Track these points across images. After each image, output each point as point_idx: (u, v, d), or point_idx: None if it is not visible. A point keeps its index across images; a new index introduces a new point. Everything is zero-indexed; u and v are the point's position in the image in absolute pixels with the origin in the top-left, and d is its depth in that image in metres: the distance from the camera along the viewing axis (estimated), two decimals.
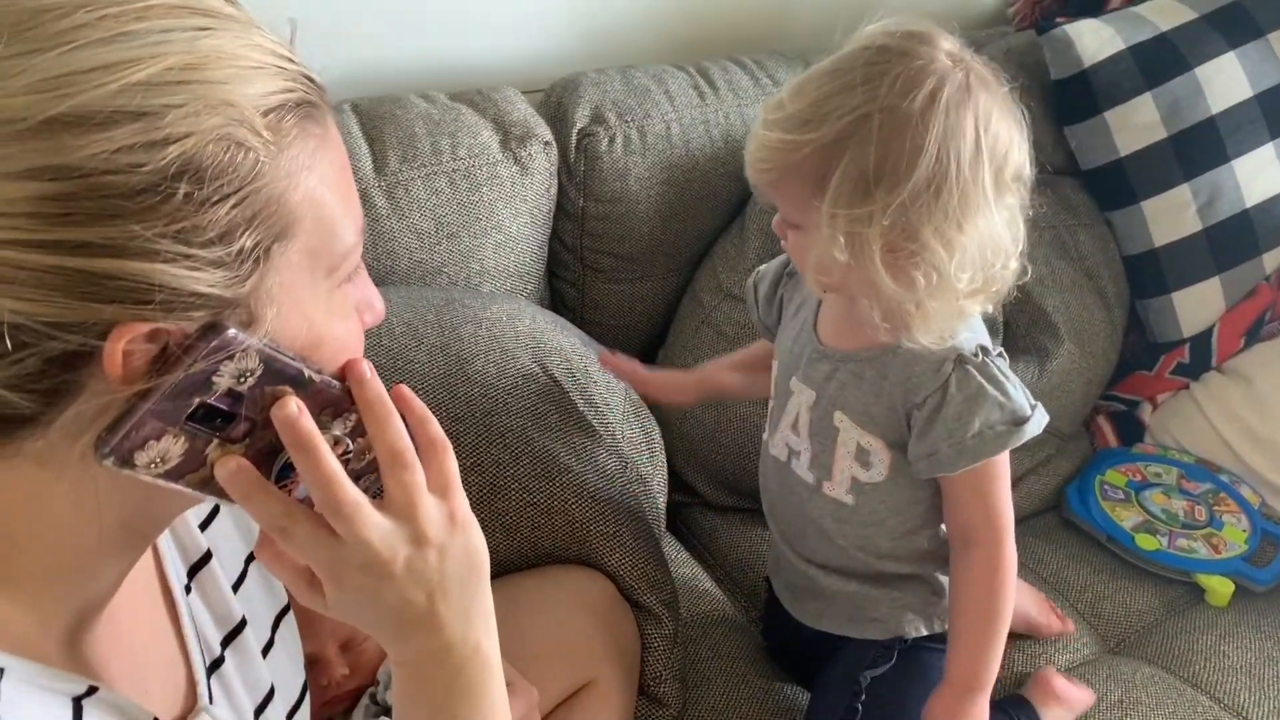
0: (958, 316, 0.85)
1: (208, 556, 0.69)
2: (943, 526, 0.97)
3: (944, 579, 0.99)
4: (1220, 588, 1.28)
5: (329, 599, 0.55)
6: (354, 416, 0.55)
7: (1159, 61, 1.51)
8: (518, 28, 1.50)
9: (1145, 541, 1.33)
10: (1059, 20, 1.56)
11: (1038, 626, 1.19)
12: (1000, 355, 0.90)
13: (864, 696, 1.00)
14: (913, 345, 0.85)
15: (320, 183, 0.50)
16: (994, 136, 0.80)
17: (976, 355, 0.87)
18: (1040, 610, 1.20)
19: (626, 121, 1.39)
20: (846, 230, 0.79)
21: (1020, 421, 0.86)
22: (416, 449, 0.55)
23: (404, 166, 1.26)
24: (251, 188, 0.47)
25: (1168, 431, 1.51)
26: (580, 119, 1.38)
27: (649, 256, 1.46)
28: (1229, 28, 1.52)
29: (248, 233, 0.47)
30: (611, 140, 1.39)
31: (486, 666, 0.59)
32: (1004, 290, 0.86)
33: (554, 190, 1.38)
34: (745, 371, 1.16)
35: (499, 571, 1.05)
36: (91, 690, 0.53)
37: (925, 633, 1.01)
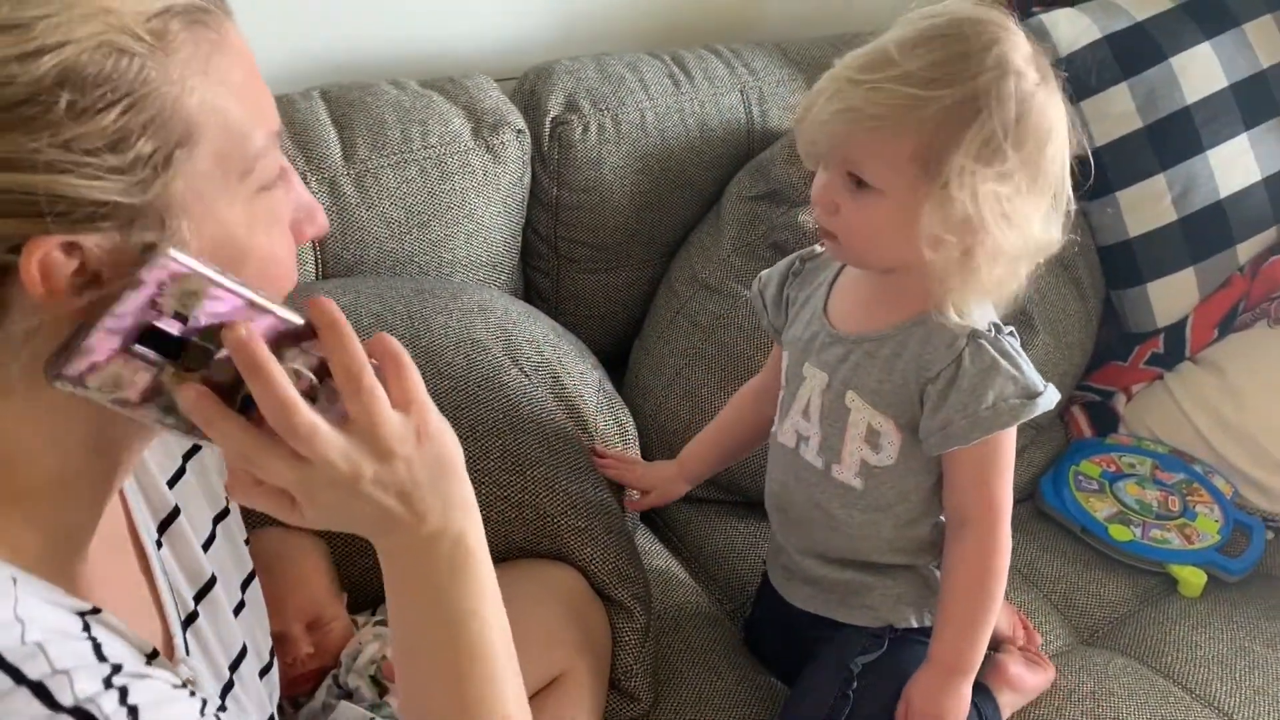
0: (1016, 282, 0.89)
1: (176, 512, 0.69)
2: (942, 517, 0.98)
3: (939, 573, 0.99)
4: (1193, 578, 1.28)
5: (306, 514, 0.56)
6: (314, 346, 0.55)
7: (1135, 51, 1.50)
8: (491, 14, 1.48)
9: (1119, 532, 1.33)
10: (1035, 9, 1.55)
11: (1004, 639, 1.19)
12: (1011, 334, 0.91)
13: (855, 684, 1.00)
14: (943, 318, 0.87)
15: (219, 86, 0.50)
16: (1070, 117, 0.86)
17: (990, 331, 0.89)
18: (1009, 623, 1.19)
19: (601, 110, 1.38)
20: (973, 186, 0.80)
21: (1033, 395, 0.88)
22: (381, 369, 0.56)
23: (373, 154, 1.24)
24: (140, 93, 0.47)
25: (1142, 422, 1.51)
26: (554, 107, 1.37)
27: (624, 246, 1.45)
28: (1204, 17, 1.52)
29: (143, 139, 0.47)
30: (585, 128, 1.37)
31: (470, 553, 0.62)
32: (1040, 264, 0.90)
33: (527, 179, 1.36)
34: (731, 432, 1.18)
35: None
36: (95, 610, 0.54)
37: (915, 624, 1.01)
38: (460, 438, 1.04)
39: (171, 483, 0.70)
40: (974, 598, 0.93)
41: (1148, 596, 1.30)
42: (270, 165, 0.54)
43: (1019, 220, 0.83)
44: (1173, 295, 1.54)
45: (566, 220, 1.41)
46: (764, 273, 1.08)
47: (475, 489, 1.03)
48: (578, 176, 1.38)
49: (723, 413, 1.19)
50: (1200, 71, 1.51)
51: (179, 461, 0.72)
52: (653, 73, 1.44)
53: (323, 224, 0.59)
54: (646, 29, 1.59)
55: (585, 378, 1.21)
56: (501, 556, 1.05)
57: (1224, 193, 1.53)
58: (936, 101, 0.80)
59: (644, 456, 1.29)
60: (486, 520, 1.04)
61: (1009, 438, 0.91)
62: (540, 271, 1.45)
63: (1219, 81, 1.51)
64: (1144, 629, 1.24)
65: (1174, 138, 1.49)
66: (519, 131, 1.33)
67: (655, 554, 1.26)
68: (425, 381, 1.05)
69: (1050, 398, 0.89)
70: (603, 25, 1.56)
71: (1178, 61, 1.50)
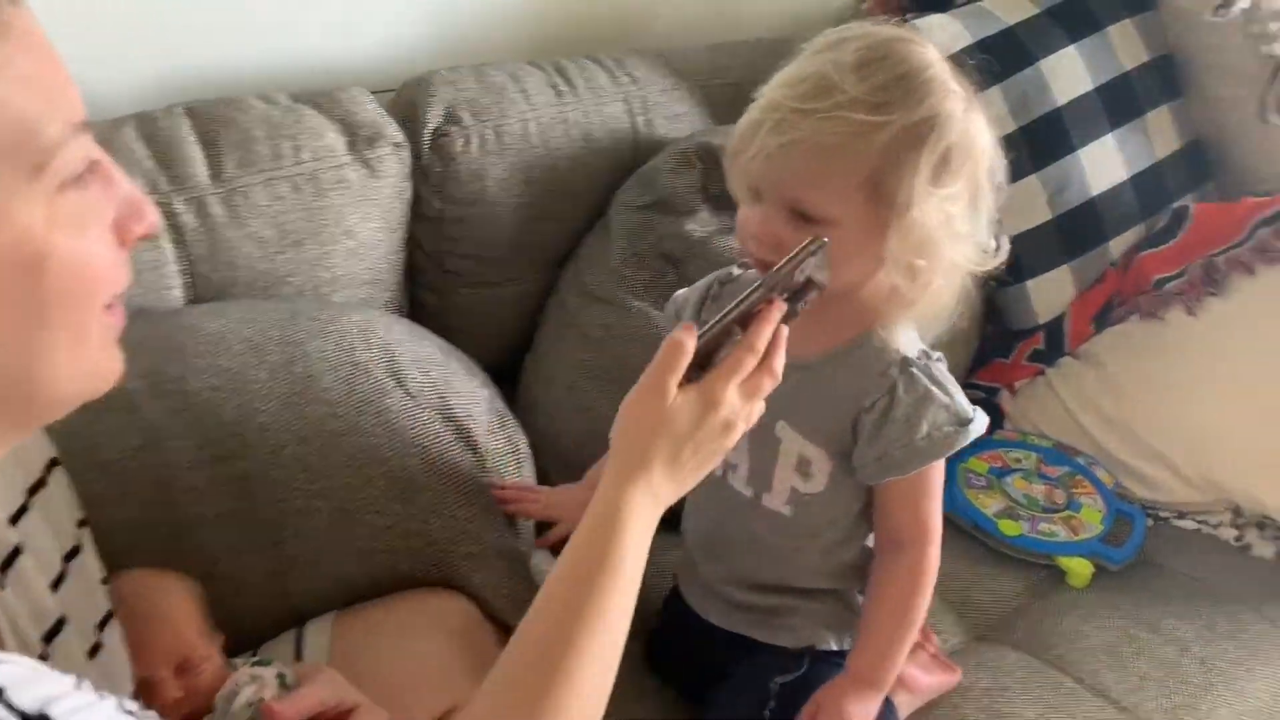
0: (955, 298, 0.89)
1: (18, 551, 0.66)
2: (868, 540, 0.98)
3: (860, 598, 1.00)
4: (1080, 569, 1.31)
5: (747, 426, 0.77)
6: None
7: (1006, 55, 1.54)
8: (366, 26, 1.44)
9: (1008, 527, 1.35)
10: (909, 16, 1.58)
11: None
12: (940, 359, 0.91)
13: (773, 703, 0.99)
14: (882, 342, 0.88)
15: None
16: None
17: (920, 358, 0.89)
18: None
19: (482, 121, 1.35)
20: (929, 208, 0.80)
21: (965, 422, 0.88)
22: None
23: (242, 172, 1.19)
24: None
25: (1026, 417, 1.55)
26: (433, 119, 1.34)
27: (511, 259, 1.42)
28: (1069, 21, 1.57)
29: None
30: (467, 140, 1.34)
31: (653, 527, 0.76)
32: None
33: (408, 193, 1.33)
34: None
35: (355, 599, 1.00)
36: None
37: (835, 648, 1.01)
38: (340, 466, 1.01)
39: (14, 519, 0.67)
40: (899, 617, 0.94)
41: (1038, 589, 1.32)
42: (71, 159, 0.51)
43: (965, 237, 0.83)
44: (1051, 292, 1.58)
45: (451, 234, 1.37)
46: (678, 294, 1.06)
47: (358, 519, 1.01)
48: (461, 189, 1.35)
49: None
50: (1068, 74, 1.55)
51: (22, 497, 0.68)
52: (534, 82, 1.42)
53: (153, 221, 0.56)
54: (526, 39, 1.56)
55: (475, 397, 1.17)
56: (388, 589, 1.02)
57: (1095, 191, 1.57)
58: (888, 126, 0.79)
59: (539, 474, 1.26)
60: (371, 552, 1.02)
61: (941, 464, 0.91)
62: (426, 288, 1.42)
63: (1086, 83, 1.56)
64: (1035, 622, 1.26)
65: (1046, 138, 1.53)
66: (396, 144, 1.29)
67: None
68: (301, 409, 1.02)
69: (980, 423, 0.89)
70: (481, 35, 1.53)
71: (1046, 64, 1.54)
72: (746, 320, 0.76)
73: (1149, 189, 1.62)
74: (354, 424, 1.02)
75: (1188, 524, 1.43)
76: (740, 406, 0.75)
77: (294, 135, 1.23)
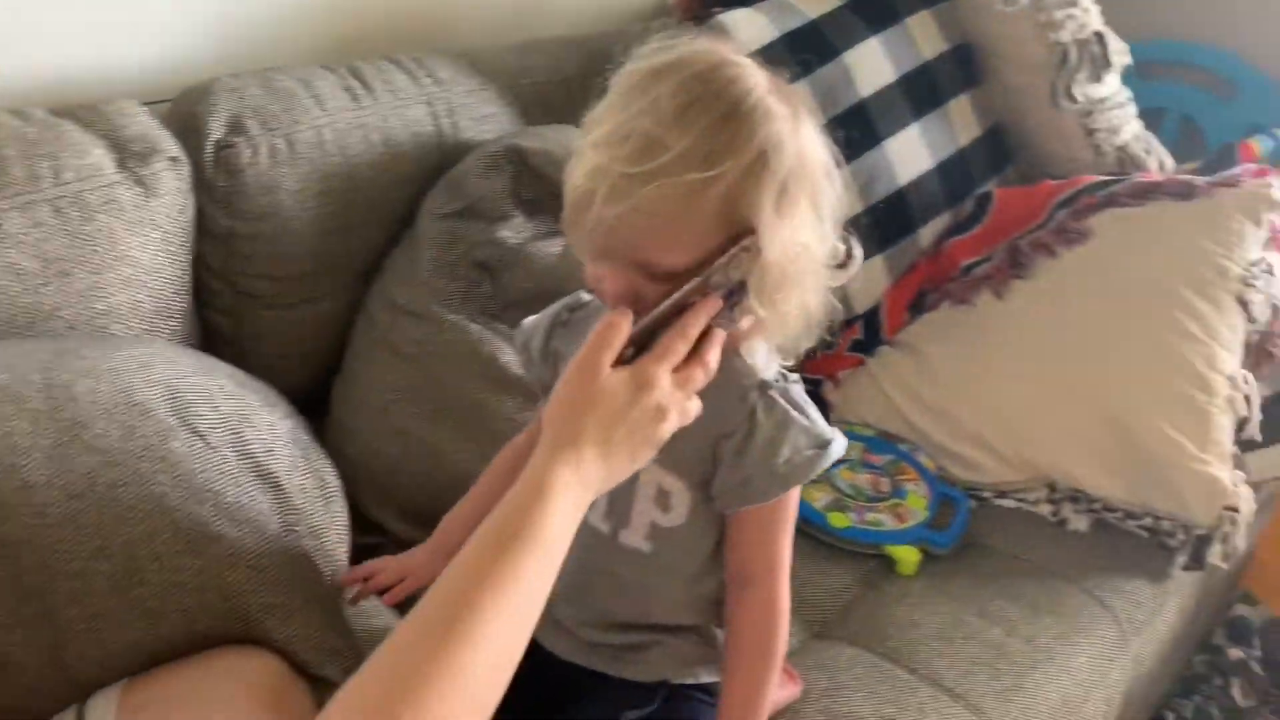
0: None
1: None
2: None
3: (719, 632, 0.97)
4: (908, 556, 1.33)
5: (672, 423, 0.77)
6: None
7: (811, 48, 1.55)
8: (135, 30, 1.33)
9: (837, 520, 1.36)
10: (715, 10, 1.57)
11: None
12: (797, 381, 0.88)
13: None
14: (742, 363, 0.85)
15: None
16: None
17: (778, 381, 0.86)
18: None
19: (271, 130, 1.27)
20: (780, 241, 0.76)
21: (824, 445, 0.86)
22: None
23: None
24: None
25: (851, 408, 1.56)
26: (215, 130, 1.24)
27: (312, 276, 1.34)
28: (869, 14, 1.59)
29: None
30: (255, 151, 1.25)
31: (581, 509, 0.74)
32: None
33: (190, 211, 1.23)
34: (494, 494, 1.07)
35: (147, 665, 0.91)
36: None
37: (691, 682, 0.98)
38: (119, 521, 0.91)
39: None
40: (760, 660, 0.91)
41: (870, 580, 1.33)
42: None
43: (819, 256, 0.81)
44: (866, 282, 1.60)
45: (243, 252, 1.28)
46: (527, 322, 1.00)
47: (143, 578, 0.91)
48: (251, 204, 1.26)
49: (482, 478, 1.08)
50: (870, 65, 1.57)
51: None
52: (327, 87, 1.34)
53: None
54: (317, 41, 1.47)
55: (275, 430, 1.09)
56: (184, 651, 0.92)
57: (903, 180, 1.61)
58: (723, 177, 0.74)
59: (352, 503, 1.18)
60: (160, 613, 0.92)
61: (797, 493, 0.89)
62: (219, 311, 1.31)
63: (888, 75, 1.59)
64: (869, 614, 1.27)
65: (853, 131, 1.55)
66: (174, 159, 1.19)
67: (374, 612, 1.15)
68: (70, 460, 0.92)
69: (840, 445, 0.87)
70: (267, 38, 1.43)
71: (849, 57, 1.55)
72: (682, 312, 0.76)
73: (954, 176, 1.66)
74: (134, 472, 0.92)
75: (1008, 503, 1.46)
76: (671, 393, 0.75)
77: (53, 154, 1.12)
